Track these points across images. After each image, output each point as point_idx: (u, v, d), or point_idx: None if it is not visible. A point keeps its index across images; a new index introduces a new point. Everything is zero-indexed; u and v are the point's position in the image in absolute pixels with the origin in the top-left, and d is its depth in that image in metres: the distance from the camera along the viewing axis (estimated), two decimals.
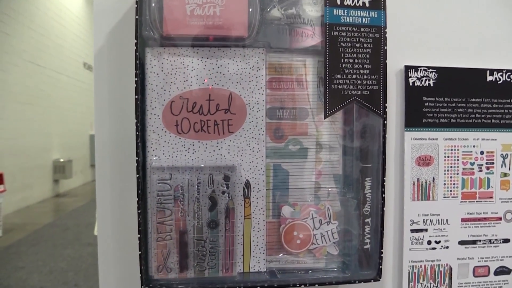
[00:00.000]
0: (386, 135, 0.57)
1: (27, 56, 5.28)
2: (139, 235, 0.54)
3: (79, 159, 6.77)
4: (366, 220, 0.58)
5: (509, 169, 0.69)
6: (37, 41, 5.53)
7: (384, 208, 0.58)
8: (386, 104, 0.57)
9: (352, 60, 0.56)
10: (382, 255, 0.58)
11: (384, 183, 0.57)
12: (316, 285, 0.57)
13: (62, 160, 6.12)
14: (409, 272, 0.67)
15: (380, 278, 0.58)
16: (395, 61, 0.66)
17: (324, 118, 0.57)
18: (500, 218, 0.69)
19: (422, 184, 0.66)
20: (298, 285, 0.57)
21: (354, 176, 0.59)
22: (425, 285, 0.67)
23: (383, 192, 0.57)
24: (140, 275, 0.55)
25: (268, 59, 0.58)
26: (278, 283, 0.57)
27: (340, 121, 0.60)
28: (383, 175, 0.57)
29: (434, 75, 0.66)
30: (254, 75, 0.57)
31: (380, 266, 0.58)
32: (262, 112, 0.57)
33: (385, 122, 0.57)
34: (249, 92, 0.57)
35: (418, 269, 0.67)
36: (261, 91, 0.57)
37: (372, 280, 0.58)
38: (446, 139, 0.67)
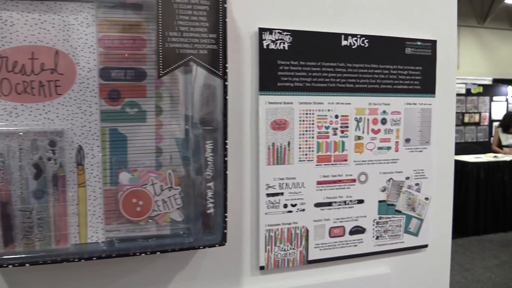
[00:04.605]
0: (227, 97, 0.56)
1: None
2: None
3: None
4: (209, 185, 0.57)
5: (363, 132, 0.71)
6: None
7: (227, 172, 0.56)
8: (226, 65, 0.55)
9: (188, 18, 0.53)
10: (226, 219, 0.57)
11: (226, 146, 0.56)
12: (158, 252, 0.55)
13: None
14: (265, 236, 0.67)
15: (226, 242, 0.58)
16: (249, 23, 0.64)
17: (158, 78, 0.54)
18: (354, 180, 0.71)
19: (278, 149, 0.66)
20: (138, 254, 0.55)
21: (196, 139, 0.57)
22: (282, 248, 0.68)
23: (225, 156, 0.56)
24: None
25: (99, 15, 0.53)
26: (117, 253, 0.54)
27: (181, 83, 0.57)
28: (225, 137, 0.56)
29: (289, 38, 0.65)
30: (83, 32, 0.53)
31: (225, 231, 0.57)
32: (93, 73, 0.53)
33: (226, 83, 0.56)
34: (79, 50, 0.52)
35: (275, 232, 0.67)
36: (92, 50, 0.53)
37: (217, 245, 0.57)
38: (301, 103, 0.67)
